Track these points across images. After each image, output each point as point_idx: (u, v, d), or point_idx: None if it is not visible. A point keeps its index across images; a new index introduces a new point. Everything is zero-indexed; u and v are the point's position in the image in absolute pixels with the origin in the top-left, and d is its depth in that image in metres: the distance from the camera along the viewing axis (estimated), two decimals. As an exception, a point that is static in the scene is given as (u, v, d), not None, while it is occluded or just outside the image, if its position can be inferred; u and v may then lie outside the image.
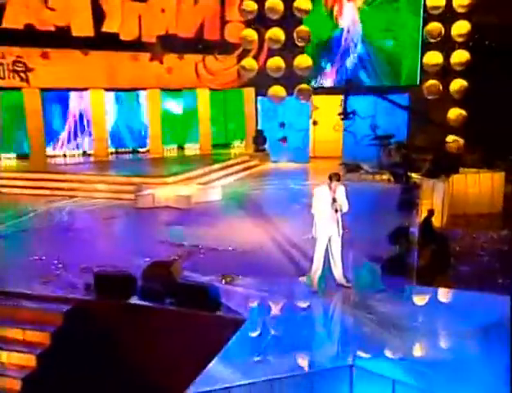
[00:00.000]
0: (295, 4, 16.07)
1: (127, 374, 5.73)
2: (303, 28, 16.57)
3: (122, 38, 15.84)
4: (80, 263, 7.44)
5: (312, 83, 17.31)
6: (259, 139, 17.17)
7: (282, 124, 17.27)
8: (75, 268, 7.30)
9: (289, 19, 16.22)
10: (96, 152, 16.73)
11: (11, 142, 16.35)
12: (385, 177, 13.80)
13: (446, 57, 16.40)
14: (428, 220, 9.70)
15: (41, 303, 6.40)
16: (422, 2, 16.66)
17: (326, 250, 6.50)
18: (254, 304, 5.96)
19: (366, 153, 15.30)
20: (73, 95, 16.81)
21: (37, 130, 15.73)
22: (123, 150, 17.69)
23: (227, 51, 17.28)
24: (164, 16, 16.55)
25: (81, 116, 17.01)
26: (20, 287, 6.69)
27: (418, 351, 5.15)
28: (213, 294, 6.02)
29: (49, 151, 16.51)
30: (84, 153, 17.09)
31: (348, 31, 17.39)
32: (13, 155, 16.36)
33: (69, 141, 17.00)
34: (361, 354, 4.93)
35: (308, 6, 16.24)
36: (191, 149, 18.23)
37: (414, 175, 13.26)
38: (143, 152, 17.71)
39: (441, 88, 16.60)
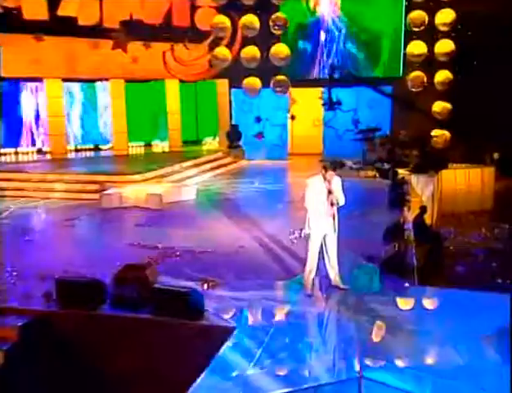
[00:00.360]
0: (271, -12, 15.82)
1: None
2: (279, 15, 16.29)
3: (80, 22, 15.17)
4: (39, 269, 6.93)
5: (290, 74, 17.05)
6: (234, 135, 16.87)
7: (258, 119, 17.06)
8: (33, 275, 6.80)
9: (265, 4, 15.94)
10: (53, 150, 16.04)
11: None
12: (371, 173, 13.69)
13: (431, 47, 16.46)
14: (420, 217, 9.62)
15: (-8, 316, 5.85)
16: (405, -11, 16.72)
17: (321, 248, 6.20)
18: (244, 310, 5.59)
19: (349, 149, 15.20)
20: (26, 86, 16.03)
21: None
22: (83, 147, 17.03)
23: (198, 39, 16.84)
24: (128, 0, 16.00)
25: (36, 110, 16.25)
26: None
27: (430, 359, 4.87)
28: (196, 300, 5.61)
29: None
30: (40, 151, 16.35)
31: (328, 19, 17.27)
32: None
33: (20, 137, 16.20)
34: (369, 363, 4.62)
35: (286, -9, 16.03)
36: (159, 146, 17.74)
37: (401, 171, 13.21)
38: (106, 149, 17.10)
39: (425, 79, 16.64)
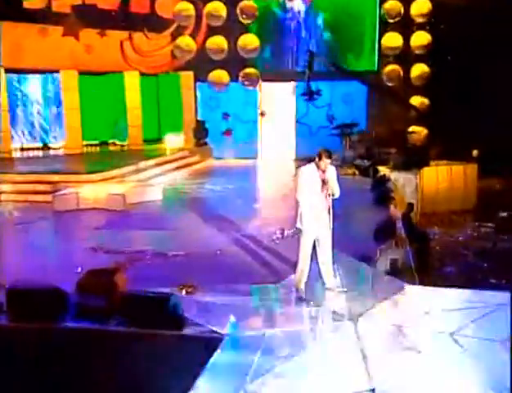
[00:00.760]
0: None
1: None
2: (248, 2, 16.09)
3: (26, 5, 14.44)
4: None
5: (260, 67, 16.82)
6: (200, 132, 16.49)
7: (226, 115, 16.80)
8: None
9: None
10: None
11: None
12: (350, 171, 13.58)
13: (407, 40, 16.59)
14: (408, 215, 9.56)
15: None
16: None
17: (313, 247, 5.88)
18: (232, 317, 5.17)
19: (324, 146, 15.00)
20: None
21: None
22: (30, 146, 16.20)
23: (159, 27, 16.41)
24: (80, -19, 15.41)
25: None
26: None
27: (444, 369, 4.58)
28: (176, 307, 5.17)
29: None
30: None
31: (301, 8, 17.14)
32: None
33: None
34: (377, 376, 4.31)
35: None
36: (118, 144, 17.10)
37: (382, 168, 13.18)
38: (57, 148, 16.32)
39: (401, 73, 16.76)
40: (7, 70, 15.25)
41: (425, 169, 12.27)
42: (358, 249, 7.29)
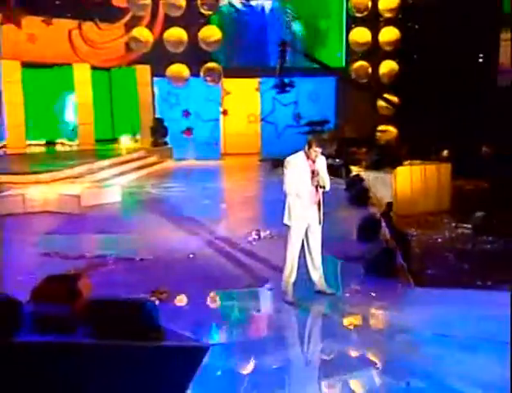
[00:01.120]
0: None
1: None
2: (209, -9, 15.86)
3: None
4: None
5: (222, 61, 16.59)
6: (158, 131, 16.10)
7: (186, 113, 16.62)
8: None
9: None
10: None
11: None
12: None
13: (375, 36, 16.74)
14: (388, 215, 9.54)
15: None
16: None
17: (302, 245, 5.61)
18: (215, 325, 4.83)
19: (291, 146, 14.83)
20: None
21: None
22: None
23: (112, 17, 15.93)
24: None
25: None
26: None
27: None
28: (152, 314, 4.77)
29: None
30: None
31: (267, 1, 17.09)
32: None
33: None
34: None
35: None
36: (67, 144, 16.41)
37: (354, 168, 13.18)
38: (-1, 148, 15.51)
39: (370, 70, 16.89)
40: None
41: (399, 169, 12.36)
42: (340, 248, 7.21)
